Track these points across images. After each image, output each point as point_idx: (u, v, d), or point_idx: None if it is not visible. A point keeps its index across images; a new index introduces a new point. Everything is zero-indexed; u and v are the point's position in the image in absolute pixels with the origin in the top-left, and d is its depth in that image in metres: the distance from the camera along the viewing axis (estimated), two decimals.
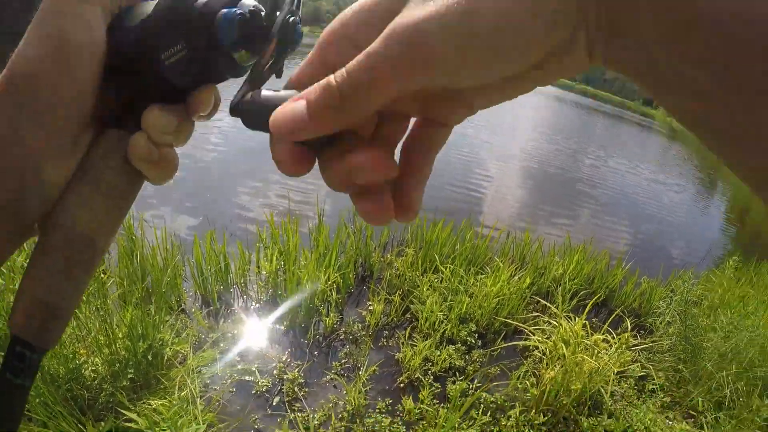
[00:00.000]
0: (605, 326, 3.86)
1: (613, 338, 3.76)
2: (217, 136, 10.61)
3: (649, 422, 3.67)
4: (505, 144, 15.09)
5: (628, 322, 4.35)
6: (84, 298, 3.16)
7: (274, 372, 3.61)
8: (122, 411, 2.67)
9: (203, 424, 2.76)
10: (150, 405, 2.82)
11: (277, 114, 0.33)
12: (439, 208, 6.04)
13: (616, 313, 4.59)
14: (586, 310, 3.96)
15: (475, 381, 3.79)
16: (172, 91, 0.41)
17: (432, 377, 3.74)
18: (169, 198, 6.77)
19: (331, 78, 0.31)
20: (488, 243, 5.38)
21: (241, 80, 0.41)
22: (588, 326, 3.69)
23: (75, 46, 0.37)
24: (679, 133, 42.52)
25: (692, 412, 4.06)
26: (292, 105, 0.33)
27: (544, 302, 4.43)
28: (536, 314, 4.21)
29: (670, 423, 3.90)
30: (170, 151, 0.42)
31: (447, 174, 10.51)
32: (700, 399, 4.04)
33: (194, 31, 0.38)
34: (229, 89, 0.42)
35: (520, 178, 11.42)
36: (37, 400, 2.44)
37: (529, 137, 17.98)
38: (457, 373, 3.84)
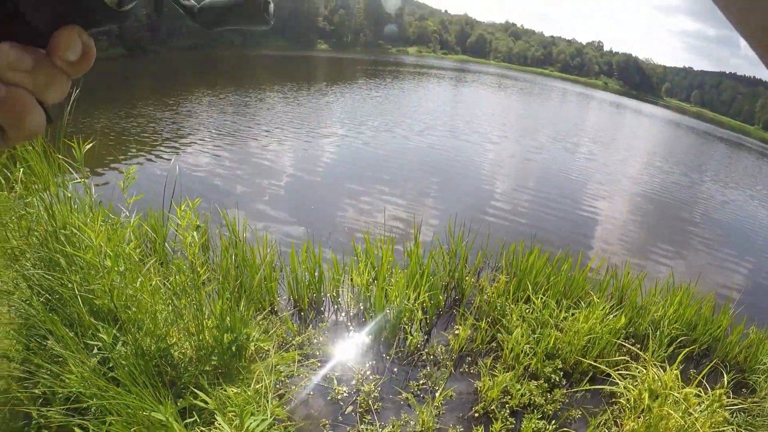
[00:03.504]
0: (699, 378, 3.48)
1: (707, 394, 3.35)
2: (328, 155, 11.25)
3: None
4: (617, 170, 14.33)
5: (727, 377, 3.84)
6: (181, 287, 3.45)
7: (352, 382, 3.68)
8: (200, 392, 2.86)
9: (272, 417, 2.86)
10: (225, 392, 2.99)
11: None
12: (537, 234, 5.89)
13: (711, 364, 4.09)
14: (678, 359, 3.61)
15: (553, 422, 3.57)
16: (33, 32, 0.38)
17: (508, 411, 3.59)
18: (274, 207, 7.25)
19: None
20: (586, 275, 5.09)
21: None
22: (679, 377, 3.35)
23: None
24: None
25: None
26: None
27: (635, 347, 4.07)
28: (627, 359, 3.88)
29: None
30: (21, 93, 0.38)
31: (552, 197, 10.19)
32: None
33: None
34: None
35: (630, 208, 10.77)
36: (126, 369, 2.68)
37: (641, 164, 16.91)
38: (535, 411, 3.64)
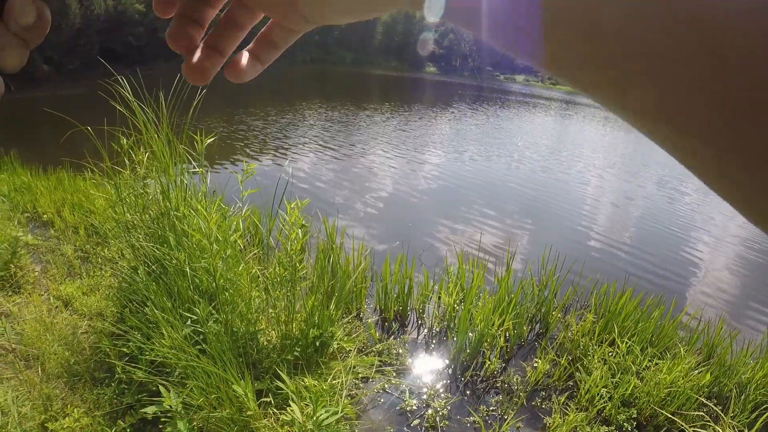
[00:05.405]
0: None
1: None
2: (431, 174, 11.37)
3: None
4: (723, 224, 13.37)
5: None
6: (278, 279, 3.63)
7: (423, 396, 3.72)
8: (281, 374, 3.00)
9: (342, 413, 2.96)
10: (303, 382, 3.12)
11: None
12: (630, 278, 5.68)
13: None
14: (757, 425, 3.40)
15: None
16: None
17: None
18: (372, 220, 7.41)
19: None
20: (676, 326, 4.84)
21: None
22: None
23: None
24: None
25: None
26: None
27: (716, 408, 3.83)
28: (706, 418, 3.67)
29: None
30: None
31: (650, 244, 9.75)
32: None
33: None
34: None
35: (731, 265, 9.97)
36: (215, 343, 2.87)
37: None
38: None
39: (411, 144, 15.07)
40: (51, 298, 4.03)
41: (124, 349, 3.25)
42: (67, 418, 2.86)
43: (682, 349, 4.36)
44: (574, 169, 16.21)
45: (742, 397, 4.14)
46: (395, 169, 11.63)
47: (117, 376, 3.13)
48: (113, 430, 2.83)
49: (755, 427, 3.39)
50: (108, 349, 3.30)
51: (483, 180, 12.24)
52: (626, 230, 10.57)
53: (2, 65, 0.39)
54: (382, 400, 3.60)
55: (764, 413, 3.79)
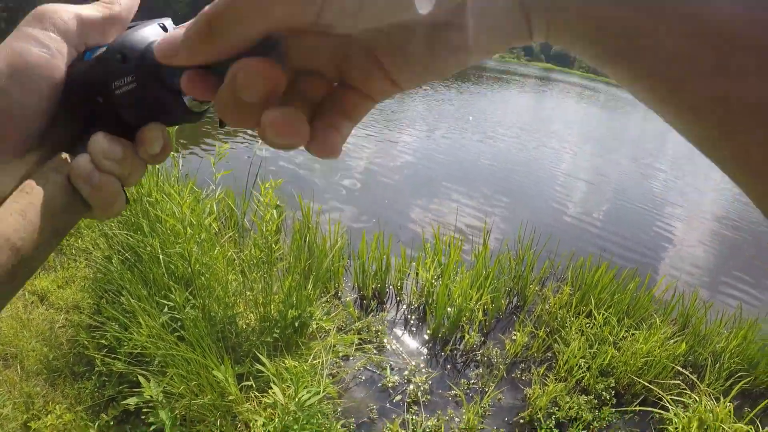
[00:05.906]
0: (751, 415, 3.33)
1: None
2: (405, 152, 11.40)
3: None
4: (696, 199, 13.52)
5: None
6: (254, 261, 3.61)
7: (405, 372, 3.74)
8: (260, 357, 3.00)
9: (324, 392, 2.97)
10: (284, 363, 3.12)
11: (161, 40, 0.35)
12: (606, 250, 5.76)
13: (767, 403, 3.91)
14: (733, 392, 3.50)
15: None
16: (123, 125, 0.43)
17: (554, 422, 3.54)
18: (348, 199, 7.41)
19: (206, 8, 0.29)
20: (651, 297, 4.91)
21: None
22: (732, 412, 3.21)
23: (30, 63, 0.40)
24: None
25: None
26: (174, 32, 0.34)
27: (692, 376, 3.92)
28: (682, 386, 3.77)
29: None
30: (112, 180, 0.42)
31: (625, 218, 9.88)
32: None
33: (143, 65, 0.41)
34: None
35: (705, 236, 10.10)
36: (193, 329, 2.85)
37: (722, 195, 15.73)
38: (580, 425, 3.57)
39: (383, 124, 14.99)
40: (26, 293, 3.96)
41: (103, 341, 3.21)
42: (49, 415, 2.83)
43: (657, 319, 4.43)
44: (548, 146, 16.27)
45: (717, 365, 4.24)
46: (369, 147, 11.55)
47: (97, 368, 3.09)
48: (96, 424, 2.81)
49: (730, 395, 3.46)
50: (86, 342, 3.26)
51: (457, 157, 12.23)
52: (601, 206, 10.68)
53: (128, 183, 0.44)
54: (363, 378, 3.62)
55: (739, 381, 3.90)
